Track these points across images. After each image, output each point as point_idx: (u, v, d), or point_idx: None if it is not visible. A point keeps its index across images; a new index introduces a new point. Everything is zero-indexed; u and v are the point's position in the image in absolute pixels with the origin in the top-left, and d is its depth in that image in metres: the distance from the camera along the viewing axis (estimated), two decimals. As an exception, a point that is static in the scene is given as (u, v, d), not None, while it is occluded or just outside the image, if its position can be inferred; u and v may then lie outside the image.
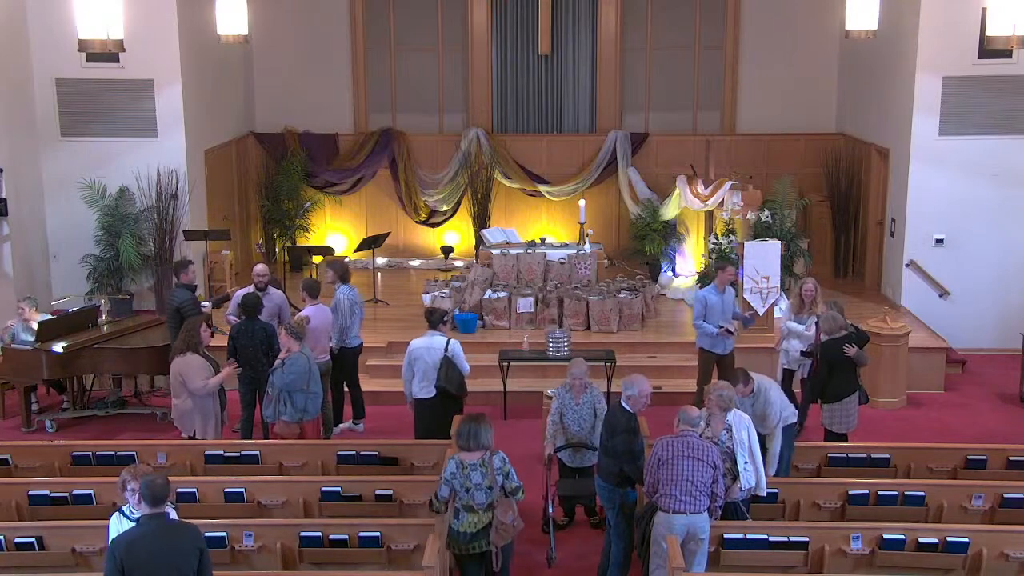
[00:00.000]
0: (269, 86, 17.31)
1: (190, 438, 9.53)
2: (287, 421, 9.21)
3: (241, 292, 10.90)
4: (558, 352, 11.57)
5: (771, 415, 8.45)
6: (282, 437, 9.24)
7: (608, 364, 11.37)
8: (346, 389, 11.27)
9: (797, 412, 8.97)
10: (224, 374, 9.66)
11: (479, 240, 15.96)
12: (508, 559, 7.43)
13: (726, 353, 11.13)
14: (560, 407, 8.83)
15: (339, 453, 8.99)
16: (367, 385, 12.23)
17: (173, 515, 6.32)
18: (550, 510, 8.61)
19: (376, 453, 8.99)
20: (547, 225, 17.20)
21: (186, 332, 9.60)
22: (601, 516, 8.94)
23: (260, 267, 11.20)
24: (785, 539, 7.50)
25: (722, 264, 11.44)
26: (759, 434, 8.20)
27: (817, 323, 10.40)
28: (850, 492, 8.22)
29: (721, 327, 10.89)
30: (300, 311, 10.80)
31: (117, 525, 6.53)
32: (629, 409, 7.87)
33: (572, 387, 8.81)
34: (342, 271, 11.02)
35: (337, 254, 16.35)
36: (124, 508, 6.52)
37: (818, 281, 11.25)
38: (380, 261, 16.23)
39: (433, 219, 17.26)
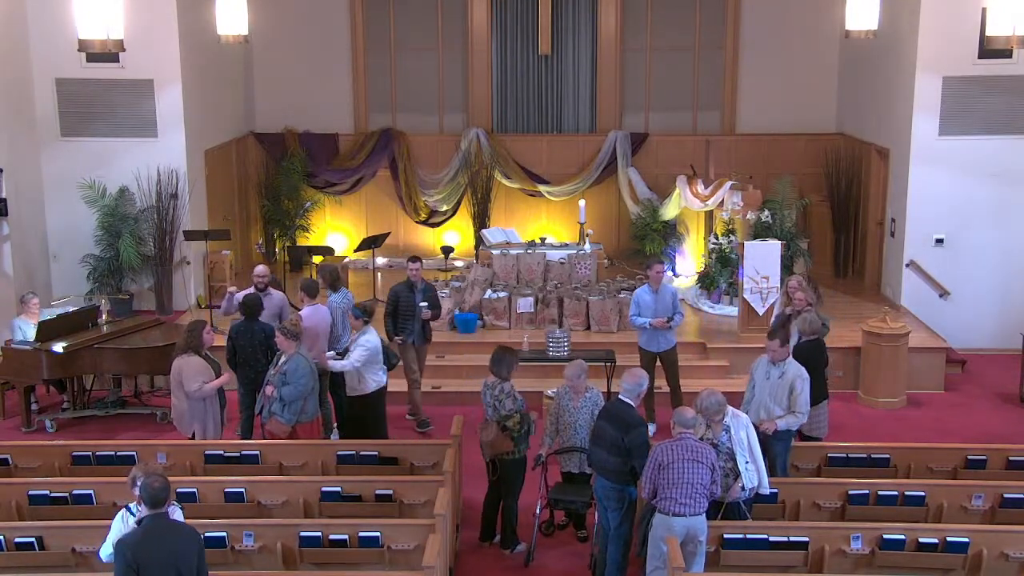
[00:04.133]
0: (269, 86, 17.30)
1: (190, 438, 9.52)
2: (280, 421, 9.19)
3: (242, 294, 10.90)
4: (558, 352, 11.56)
5: (800, 393, 8.57)
6: (274, 435, 9.23)
7: (608, 364, 11.36)
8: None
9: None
10: (220, 381, 9.61)
11: (479, 240, 15.96)
12: (511, 476, 8.64)
13: (661, 351, 11.12)
14: (558, 408, 8.80)
15: (339, 453, 9.00)
16: (367, 385, 12.26)
17: (179, 514, 6.34)
18: (537, 511, 8.66)
19: (376, 453, 9.00)
20: (547, 225, 17.21)
21: (188, 333, 9.59)
22: (589, 531, 8.90)
23: (261, 268, 11.20)
24: (785, 539, 7.51)
25: (649, 262, 11.41)
26: (760, 434, 8.25)
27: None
28: (850, 492, 8.22)
29: (649, 323, 10.97)
30: (299, 311, 10.80)
31: (121, 524, 6.56)
32: (631, 403, 7.92)
33: (570, 389, 8.77)
34: (332, 279, 10.98)
35: (337, 254, 16.36)
36: (131, 505, 6.54)
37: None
38: (380, 261, 16.22)
39: (433, 219, 17.27)
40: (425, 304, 11.24)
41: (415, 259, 11.49)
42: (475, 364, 12.30)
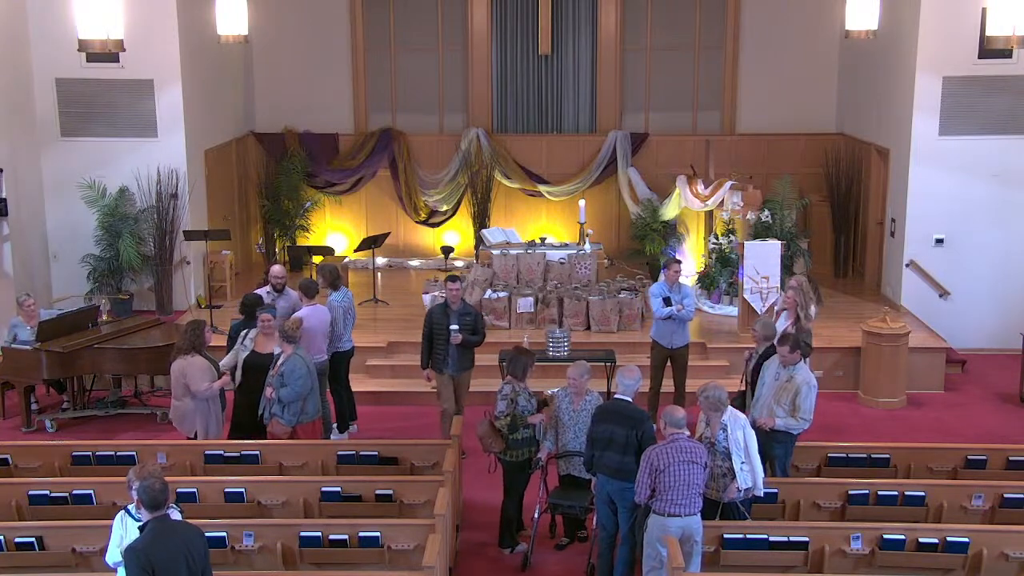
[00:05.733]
0: (269, 86, 17.30)
1: (191, 438, 9.52)
2: (281, 422, 9.18)
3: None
4: (558, 352, 11.56)
5: (804, 400, 8.52)
6: (275, 435, 9.24)
7: (608, 364, 11.36)
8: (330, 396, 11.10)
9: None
10: (223, 381, 9.61)
11: (479, 240, 15.96)
12: (507, 476, 8.73)
13: (675, 347, 11.11)
14: (557, 411, 8.74)
15: (339, 453, 9.00)
16: (367, 385, 12.27)
17: (177, 516, 6.34)
18: (536, 516, 8.65)
19: (376, 453, 9.00)
20: (547, 225, 17.20)
21: (191, 333, 9.58)
22: (589, 532, 8.84)
23: (277, 268, 11.23)
24: (785, 539, 7.51)
25: (667, 261, 11.47)
26: (762, 432, 8.26)
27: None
28: (850, 492, 8.22)
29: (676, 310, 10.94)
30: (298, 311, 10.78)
31: (121, 527, 6.54)
32: (629, 400, 7.95)
33: (571, 390, 8.69)
34: (332, 278, 10.94)
35: (337, 254, 16.37)
36: (130, 507, 6.54)
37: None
38: (380, 261, 16.23)
39: (433, 219, 17.27)
40: (456, 328, 10.29)
41: (454, 279, 10.48)
42: (475, 365, 12.26)
